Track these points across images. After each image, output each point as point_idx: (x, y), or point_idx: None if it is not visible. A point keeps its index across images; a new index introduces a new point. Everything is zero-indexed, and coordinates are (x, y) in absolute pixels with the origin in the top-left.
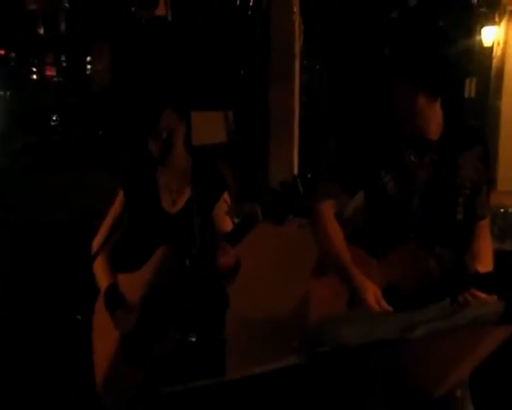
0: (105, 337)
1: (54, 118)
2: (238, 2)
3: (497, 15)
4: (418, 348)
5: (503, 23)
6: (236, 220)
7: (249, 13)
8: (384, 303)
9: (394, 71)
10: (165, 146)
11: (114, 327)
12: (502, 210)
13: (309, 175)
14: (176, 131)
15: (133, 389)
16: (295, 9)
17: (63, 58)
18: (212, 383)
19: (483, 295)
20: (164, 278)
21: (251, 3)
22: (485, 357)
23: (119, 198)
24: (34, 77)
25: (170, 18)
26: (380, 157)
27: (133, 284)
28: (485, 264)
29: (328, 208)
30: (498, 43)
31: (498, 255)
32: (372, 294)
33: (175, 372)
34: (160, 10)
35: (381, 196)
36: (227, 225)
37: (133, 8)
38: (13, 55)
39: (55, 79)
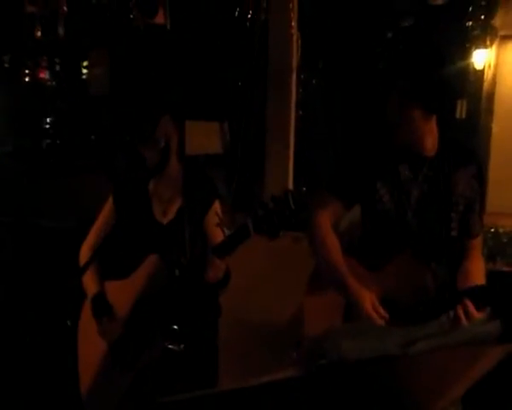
0: (91, 344)
1: (47, 121)
2: (236, 14)
3: (488, 39)
4: (415, 365)
5: (495, 47)
6: (228, 232)
7: (247, 25)
8: (381, 310)
9: (389, 87)
10: (163, 155)
11: (100, 334)
12: (492, 230)
13: (304, 189)
14: (172, 139)
15: (118, 397)
16: (293, 24)
17: (57, 61)
18: (207, 394)
19: (473, 309)
20: (152, 286)
21: (249, 16)
22: (481, 376)
23: (109, 204)
24: (27, 79)
25: (168, 26)
26: (376, 170)
27: (121, 292)
28: (477, 281)
29: (325, 220)
30: (490, 67)
31: (489, 276)
32: (369, 302)
33: (164, 381)
34: (159, 18)
35: (377, 209)
36: (217, 236)
37: (132, 15)
38: (7, 57)
39: (49, 82)
